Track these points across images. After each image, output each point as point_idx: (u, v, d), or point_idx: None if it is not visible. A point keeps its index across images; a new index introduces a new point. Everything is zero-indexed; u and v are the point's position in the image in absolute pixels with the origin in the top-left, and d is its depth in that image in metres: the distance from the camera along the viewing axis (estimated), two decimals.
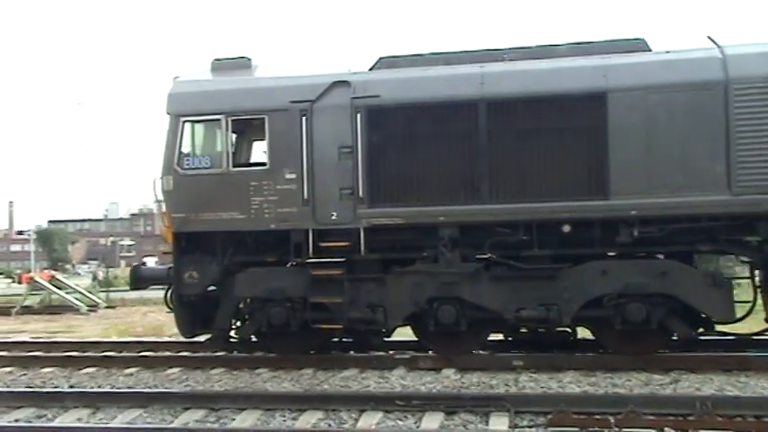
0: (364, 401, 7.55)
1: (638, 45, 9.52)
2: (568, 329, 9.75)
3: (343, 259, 9.53)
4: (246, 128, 10.50)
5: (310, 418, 7.30)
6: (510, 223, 9.39)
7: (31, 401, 8.07)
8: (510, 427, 6.82)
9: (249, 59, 10.50)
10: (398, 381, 8.84)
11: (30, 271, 37.62)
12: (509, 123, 9.39)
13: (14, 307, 21.95)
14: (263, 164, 9.96)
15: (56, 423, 7.39)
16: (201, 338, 10.60)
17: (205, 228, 9.94)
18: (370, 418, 7.15)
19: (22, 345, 12.40)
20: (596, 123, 9.07)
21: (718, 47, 9.12)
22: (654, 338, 9.39)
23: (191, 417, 7.46)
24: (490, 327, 9.84)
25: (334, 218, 9.63)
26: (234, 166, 10.02)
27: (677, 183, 8.87)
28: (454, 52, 10.15)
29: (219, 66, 10.56)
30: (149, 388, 8.76)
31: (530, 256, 9.37)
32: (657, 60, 9.17)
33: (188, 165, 10.06)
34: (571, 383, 8.46)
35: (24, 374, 9.84)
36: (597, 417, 6.71)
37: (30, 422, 7.47)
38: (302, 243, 9.70)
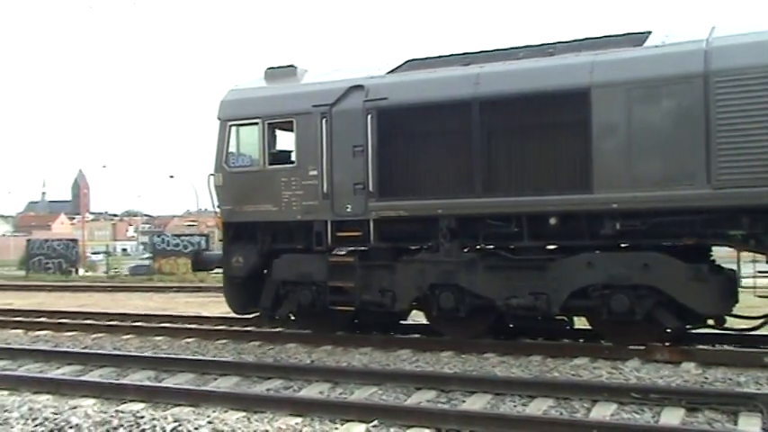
0: (597, 392, 7.30)
1: (634, 40, 9.53)
2: (565, 318, 9.99)
3: (359, 248, 10.42)
4: (282, 129, 11.35)
5: (541, 405, 7.16)
6: (502, 216, 9.76)
7: (278, 374, 8.68)
8: (763, 429, 6.25)
9: (295, 67, 11.56)
10: (633, 372, 8.48)
11: None
12: (501, 121, 9.80)
13: None
14: (291, 162, 10.94)
15: (301, 394, 7.96)
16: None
17: (247, 218, 11.16)
18: (604, 410, 6.92)
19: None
20: (581, 119, 9.20)
21: (708, 38, 8.90)
22: (645, 329, 9.34)
23: (422, 396, 7.63)
24: (490, 314, 10.12)
25: (349, 210, 10.44)
26: (269, 165, 11.03)
27: (658, 177, 8.85)
28: (471, 53, 10.66)
29: (271, 74, 11.68)
30: (383, 367, 9.14)
31: (521, 248, 9.71)
32: (641, 55, 9.15)
33: (233, 163, 11.32)
34: None
35: (271, 348, 10.68)
36: None
37: (278, 392, 8.12)
38: (323, 233, 10.62)
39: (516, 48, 10.49)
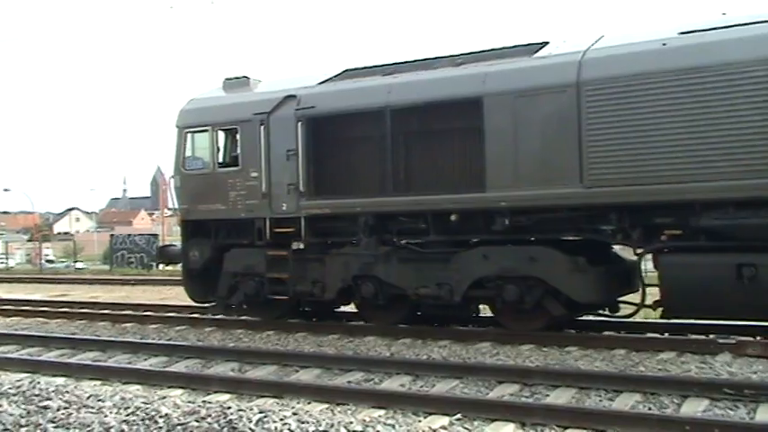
0: (687, 387, 7.10)
1: (528, 50, 10.27)
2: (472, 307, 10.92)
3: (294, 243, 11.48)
4: (228, 135, 12.48)
5: (628, 399, 6.98)
6: (411, 213, 10.70)
7: (359, 366, 8.70)
8: None
9: (248, 78, 12.65)
10: (724, 367, 8.20)
11: None
12: (409, 127, 10.66)
13: None
14: (237, 165, 12.00)
15: (383, 386, 7.97)
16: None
17: (201, 216, 12.33)
18: (695, 405, 6.72)
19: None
20: (476, 125, 9.95)
21: (586, 50, 9.58)
22: (536, 317, 10.08)
23: (505, 390, 7.53)
24: (406, 302, 10.95)
25: (284, 208, 11.45)
26: (219, 168, 12.22)
27: (539, 177, 9.58)
28: (395, 63, 11.57)
29: (228, 84, 12.84)
30: (463, 360, 9.08)
31: (428, 242, 10.60)
32: (527, 66, 9.91)
33: (189, 167, 12.47)
34: None
35: (351, 341, 10.75)
36: None
37: (359, 384, 8.16)
38: (262, 229, 11.67)
39: (434, 58, 11.34)
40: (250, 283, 11.88)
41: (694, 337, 9.66)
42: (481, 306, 11.21)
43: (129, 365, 9.41)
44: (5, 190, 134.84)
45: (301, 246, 11.55)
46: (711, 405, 6.70)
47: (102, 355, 10.22)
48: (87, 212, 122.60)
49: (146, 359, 9.88)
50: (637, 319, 10.35)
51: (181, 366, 9.34)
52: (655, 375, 7.77)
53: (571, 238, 9.84)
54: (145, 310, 14.67)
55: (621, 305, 10.42)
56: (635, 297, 10.06)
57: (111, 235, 43.86)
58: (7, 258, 44.40)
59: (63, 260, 50.50)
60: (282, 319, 12.17)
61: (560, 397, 7.20)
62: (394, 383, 8.01)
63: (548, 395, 7.30)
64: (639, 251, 9.48)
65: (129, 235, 42.01)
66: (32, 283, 27.15)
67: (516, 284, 9.89)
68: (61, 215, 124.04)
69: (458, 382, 7.87)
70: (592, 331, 10.48)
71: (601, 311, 10.67)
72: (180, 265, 12.94)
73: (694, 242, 8.97)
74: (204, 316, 13.40)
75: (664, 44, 9.09)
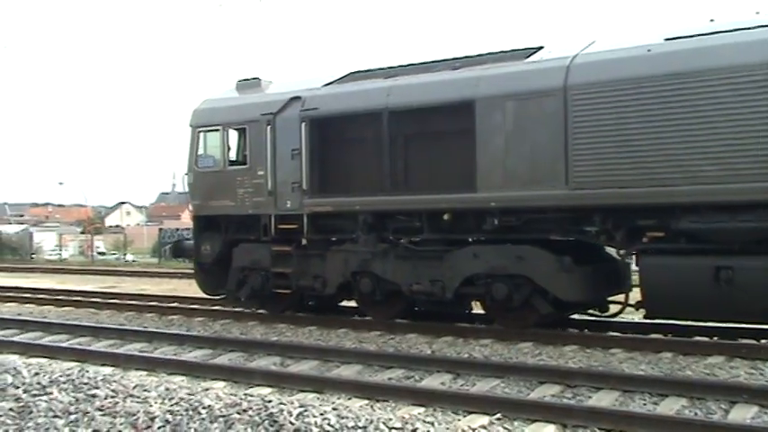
0: (735, 393, 6.96)
1: (521, 55, 10.51)
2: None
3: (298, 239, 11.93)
4: (238, 135, 12.88)
5: (673, 404, 6.86)
6: (407, 211, 11.06)
7: (399, 363, 8.71)
8: None
9: (259, 79, 13.06)
10: None
11: None
12: (405, 129, 11.02)
13: None
14: (245, 163, 12.43)
15: (423, 384, 7.97)
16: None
17: (212, 212, 12.86)
18: (743, 412, 6.58)
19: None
20: (468, 127, 10.20)
21: (575, 55, 9.77)
22: (525, 315, 10.32)
23: (546, 391, 7.47)
24: (402, 298, 11.28)
25: (288, 206, 11.87)
26: (228, 166, 12.66)
27: (528, 178, 9.81)
28: (398, 66, 11.90)
29: (241, 85, 13.26)
30: (504, 359, 9.01)
31: (423, 240, 10.94)
32: (518, 71, 10.15)
33: (201, 164, 12.97)
34: None
35: (392, 338, 10.75)
36: None
37: (399, 381, 8.16)
38: (268, 225, 12.08)
39: (434, 61, 11.67)
40: (257, 277, 12.35)
41: (744, 341, 9.43)
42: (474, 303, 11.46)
43: (175, 357, 9.58)
44: (60, 184, 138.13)
45: (304, 242, 12.00)
46: (761, 412, 6.55)
47: (149, 347, 10.42)
48: (138, 206, 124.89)
49: (190, 351, 10.05)
50: (685, 322, 10.13)
51: (224, 359, 9.48)
52: (702, 380, 7.62)
53: (557, 238, 10.02)
54: (191, 303, 14.90)
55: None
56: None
57: (160, 228, 44.65)
58: (61, 250, 45.49)
59: (113, 253, 51.53)
60: (286, 312, 12.66)
61: (603, 399, 7.11)
62: (434, 381, 8.00)
63: (590, 397, 7.22)
64: (622, 252, 9.71)
65: (177, 229, 42.63)
66: (84, 274, 27.82)
67: (505, 283, 10.14)
68: (113, 209, 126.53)
69: (498, 382, 7.83)
70: (637, 334, 10.30)
71: (591, 311, 10.95)
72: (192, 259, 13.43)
73: (674, 244, 9.13)
74: (248, 311, 13.54)
75: (648, 50, 9.28)
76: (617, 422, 6.11)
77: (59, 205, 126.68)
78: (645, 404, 6.99)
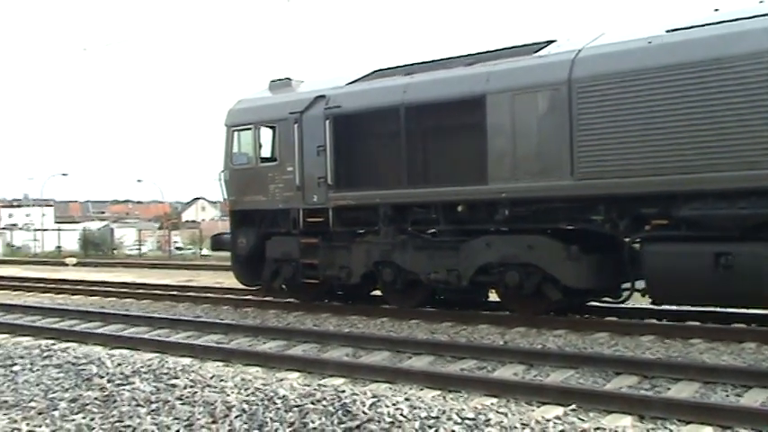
0: None
1: (531, 49, 10.79)
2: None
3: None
4: (269, 133, 13.38)
5: (757, 396, 6.65)
6: (424, 204, 11.56)
7: (472, 354, 8.70)
8: None
9: (290, 79, 13.69)
10: None
11: None
12: (422, 124, 11.51)
13: None
14: (275, 160, 13.05)
15: (496, 375, 7.91)
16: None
17: (247, 207, 13.55)
18: None
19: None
20: (480, 121, 10.60)
21: (580, 49, 10.05)
22: (537, 302, 10.67)
23: (622, 382, 7.31)
24: (423, 286, 11.76)
25: (315, 200, 12.47)
26: (261, 163, 13.26)
27: (535, 170, 10.15)
28: (415, 63, 12.34)
29: (273, 85, 13.92)
30: (579, 350, 8.87)
31: (439, 231, 11.48)
32: (526, 65, 10.45)
33: (236, 162, 13.65)
34: None
35: (464, 329, 10.69)
36: None
37: (472, 372, 8.13)
38: (297, 218, 12.76)
39: (450, 58, 12.02)
40: (288, 268, 12.99)
41: None
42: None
43: (250, 348, 9.77)
44: (138, 181, 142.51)
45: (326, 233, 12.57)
46: None
47: (225, 338, 10.66)
48: (212, 201, 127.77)
49: (265, 342, 10.23)
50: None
51: (298, 350, 9.61)
52: None
53: (564, 227, 10.36)
54: (265, 296, 15.15)
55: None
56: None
57: None
58: (140, 245, 46.97)
59: (190, 247, 52.90)
60: (317, 301, 13.37)
61: (683, 391, 6.92)
62: (507, 372, 7.94)
63: (669, 389, 7.03)
64: (627, 240, 9.89)
65: None
66: (162, 268, 28.63)
67: (517, 271, 10.51)
68: (188, 204, 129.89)
69: (573, 373, 7.72)
70: (718, 323, 9.99)
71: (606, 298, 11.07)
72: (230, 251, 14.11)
73: (675, 232, 9.33)
74: (321, 303, 13.72)
75: (649, 42, 9.47)
76: (698, 414, 5.93)
77: (138, 202, 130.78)
78: (728, 395, 6.77)
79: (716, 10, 9.78)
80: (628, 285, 10.23)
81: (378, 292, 13.20)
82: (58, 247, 46.80)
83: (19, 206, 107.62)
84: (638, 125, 9.30)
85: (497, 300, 11.69)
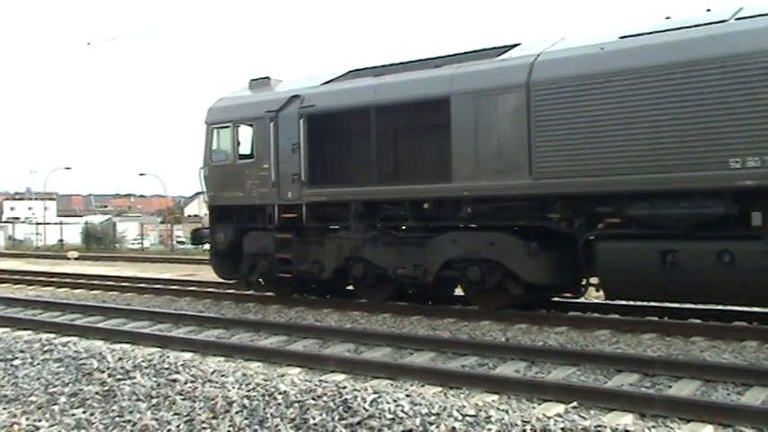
0: None
1: (495, 53, 11.19)
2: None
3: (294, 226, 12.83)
4: (246, 131, 13.78)
5: (758, 394, 6.63)
6: (392, 201, 11.88)
7: (473, 350, 8.72)
8: None
9: (269, 78, 14.09)
10: None
11: None
12: (390, 123, 11.99)
13: None
14: (252, 157, 13.44)
15: (497, 372, 7.90)
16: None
17: (225, 203, 13.93)
18: None
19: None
20: (444, 122, 10.98)
21: (540, 53, 10.41)
22: (499, 296, 11.01)
23: (624, 380, 7.32)
24: (392, 281, 12.02)
25: (289, 196, 12.73)
26: (238, 160, 13.64)
27: (496, 169, 10.51)
28: (385, 65, 12.77)
29: (253, 84, 14.29)
30: (580, 347, 8.86)
31: (407, 227, 11.84)
32: (488, 68, 10.85)
33: (215, 158, 13.99)
34: None
35: (466, 325, 10.69)
36: None
37: (473, 369, 8.12)
38: (272, 214, 13.02)
39: (419, 60, 12.43)
40: (263, 263, 13.31)
41: None
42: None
43: (251, 344, 9.77)
44: (141, 175, 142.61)
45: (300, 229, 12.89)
46: None
47: (226, 333, 10.67)
48: None
49: (266, 338, 10.24)
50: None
51: (299, 346, 9.62)
52: None
53: (523, 225, 10.65)
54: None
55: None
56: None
57: None
58: (142, 239, 46.98)
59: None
60: (294, 295, 13.68)
61: (684, 389, 6.91)
62: (508, 369, 7.93)
63: (670, 386, 7.03)
64: (582, 238, 10.10)
65: None
66: (164, 262, 28.69)
67: (479, 266, 10.85)
68: (191, 199, 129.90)
69: (574, 370, 7.71)
70: (719, 321, 9.98)
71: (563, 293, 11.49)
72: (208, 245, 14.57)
73: (626, 230, 9.66)
74: (322, 299, 13.71)
75: (602, 48, 9.83)
76: (698, 412, 5.92)
77: (141, 196, 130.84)
78: (728, 394, 6.76)
79: (667, 18, 10.16)
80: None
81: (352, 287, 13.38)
82: (61, 240, 46.84)
83: (21, 199, 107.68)
84: (591, 127, 9.66)
85: (462, 294, 11.91)
